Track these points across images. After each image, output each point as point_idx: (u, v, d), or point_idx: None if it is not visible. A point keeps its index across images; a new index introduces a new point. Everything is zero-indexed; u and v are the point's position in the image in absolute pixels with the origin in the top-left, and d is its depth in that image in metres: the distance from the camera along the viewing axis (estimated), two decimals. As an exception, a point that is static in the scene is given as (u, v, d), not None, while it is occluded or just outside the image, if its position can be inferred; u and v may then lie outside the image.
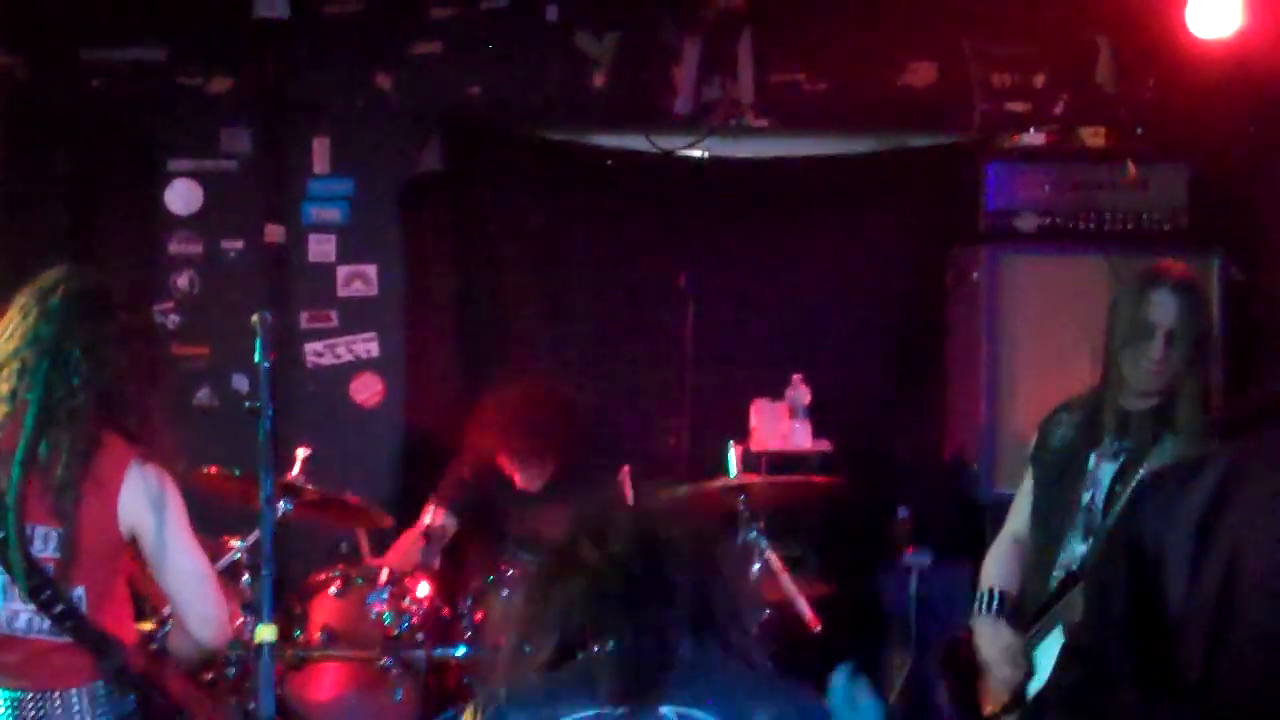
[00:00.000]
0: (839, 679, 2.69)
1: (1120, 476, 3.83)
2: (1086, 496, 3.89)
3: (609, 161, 6.44)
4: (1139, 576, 2.22)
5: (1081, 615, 2.43)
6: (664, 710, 2.39)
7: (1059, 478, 3.99)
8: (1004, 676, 3.95)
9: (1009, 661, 3.94)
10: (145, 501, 3.30)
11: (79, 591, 3.27)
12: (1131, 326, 3.83)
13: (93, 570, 3.29)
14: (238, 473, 4.74)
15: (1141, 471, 3.70)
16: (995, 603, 4.03)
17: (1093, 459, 3.91)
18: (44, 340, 3.30)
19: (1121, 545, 2.28)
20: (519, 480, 5.44)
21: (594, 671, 2.45)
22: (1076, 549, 3.88)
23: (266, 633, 3.03)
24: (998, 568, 4.15)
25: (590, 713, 2.41)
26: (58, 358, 3.29)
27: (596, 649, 2.46)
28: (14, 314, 3.36)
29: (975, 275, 6.06)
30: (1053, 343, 5.66)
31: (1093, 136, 6.20)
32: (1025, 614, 3.97)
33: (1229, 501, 2.18)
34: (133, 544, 3.34)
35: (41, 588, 3.21)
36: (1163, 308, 3.81)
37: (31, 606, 3.23)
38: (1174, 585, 2.18)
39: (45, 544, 3.25)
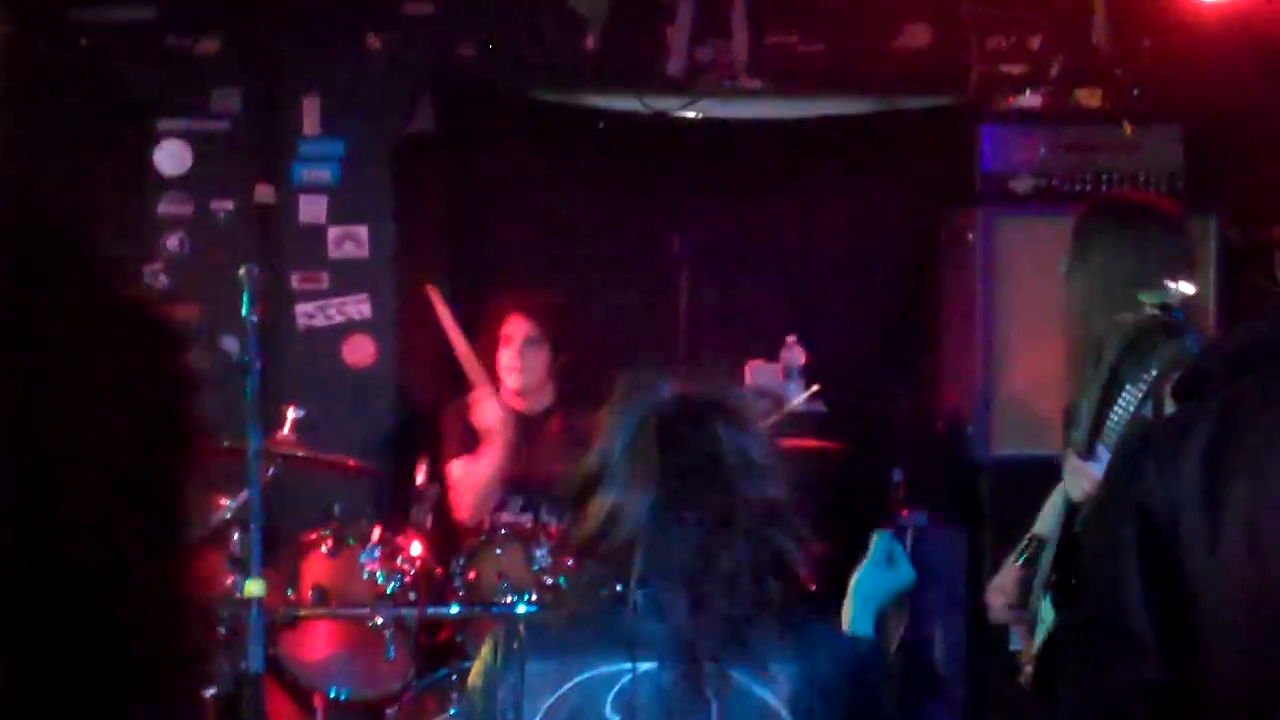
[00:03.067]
0: (881, 540, 2.65)
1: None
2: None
3: (601, 123, 6.39)
4: (1152, 544, 2.10)
5: (1087, 585, 2.32)
6: (689, 666, 2.29)
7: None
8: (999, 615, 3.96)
9: (999, 607, 3.95)
10: None
11: None
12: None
13: None
14: (225, 444, 4.69)
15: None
16: (1027, 549, 4.01)
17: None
18: None
19: (1129, 511, 2.15)
20: (519, 401, 5.40)
21: (619, 618, 2.34)
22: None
23: (255, 587, 3.00)
24: (1045, 512, 4.10)
25: (614, 668, 2.31)
26: None
27: (641, 593, 2.34)
28: None
29: (970, 237, 6.03)
30: (1048, 305, 5.62)
31: (1089, 98, 6.17)
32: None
33: (1237, 439, 2.07)
34: None
35: None
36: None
37: None
38: (1193, 549, 2.06)
39: None
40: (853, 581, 2.64)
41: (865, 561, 2.65)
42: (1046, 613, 3.71)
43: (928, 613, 5.78)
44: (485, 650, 2.42)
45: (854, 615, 2.60)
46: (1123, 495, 2.21)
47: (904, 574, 2.68)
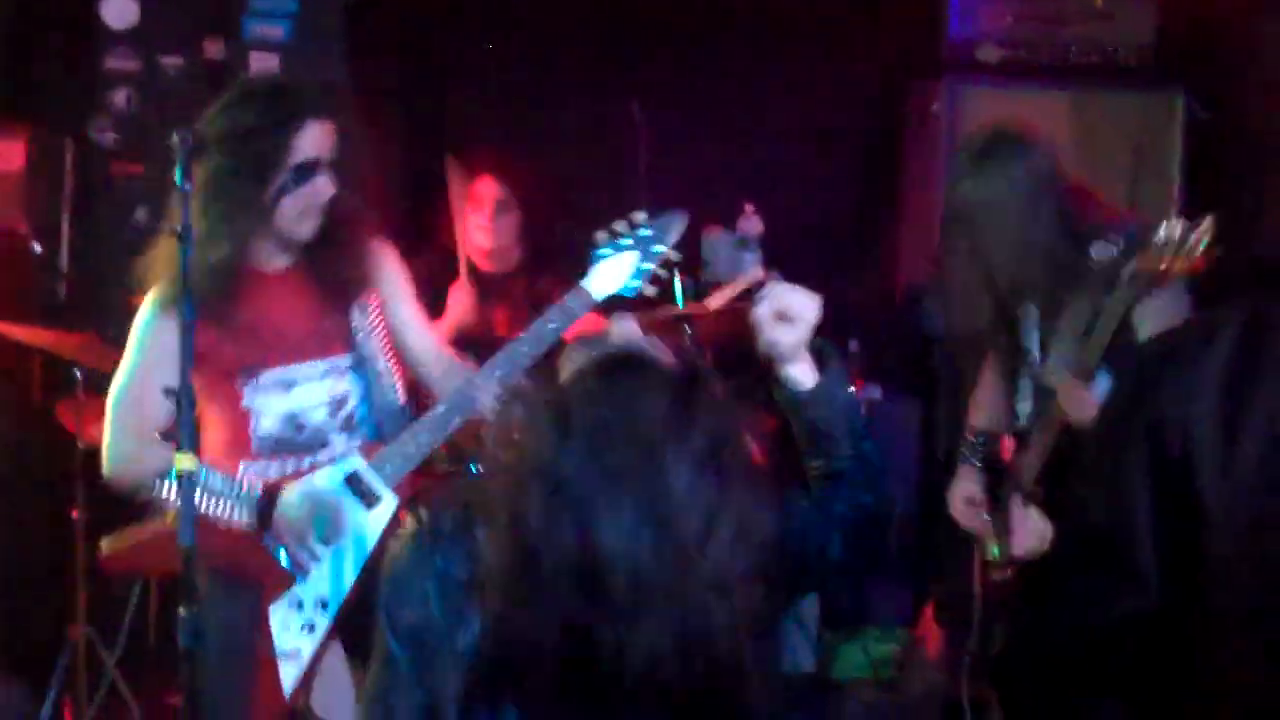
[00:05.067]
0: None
1: (1044, 316, 3.77)
2: (1029, 340, 3.81)
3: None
4: (1163, 464, 1.96)
5: (1090, 509, 2.21)
6: None
7: (1002, 319, 3.91)
8: (975, 524, 3.95)
9: (968, 513, 3.95)
10: None
11: None
12: None
13: None
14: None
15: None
16: (980, 447, 3.98)
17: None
18: None
19: (1139, 429, 2.01)
20: (486, 262, 5.35)
21: None
22: (1027, 402, 3.83)
23: (186, 461, 2.90)
24: (982, 402, 4.08)
25: None
26: None
27: None
28: None
29: (935, 108, 5.94)
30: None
31: (1060, -34, 6.05)
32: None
33: (1258, 362, 1.93)
34: None
35: None
36: None
37: None
38: (1205, 471, 1.93)
39: None
40: None
41: None
42: (1036, 519, 3.66)
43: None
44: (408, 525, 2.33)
45: None
46: (1134, 415, 2.06)
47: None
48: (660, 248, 3.63)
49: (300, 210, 3.56)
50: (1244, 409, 1.93)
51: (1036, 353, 3.78)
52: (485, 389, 3.55)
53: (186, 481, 2.89)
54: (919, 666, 5.28)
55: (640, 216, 3.64)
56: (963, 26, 5.95)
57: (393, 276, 3.81)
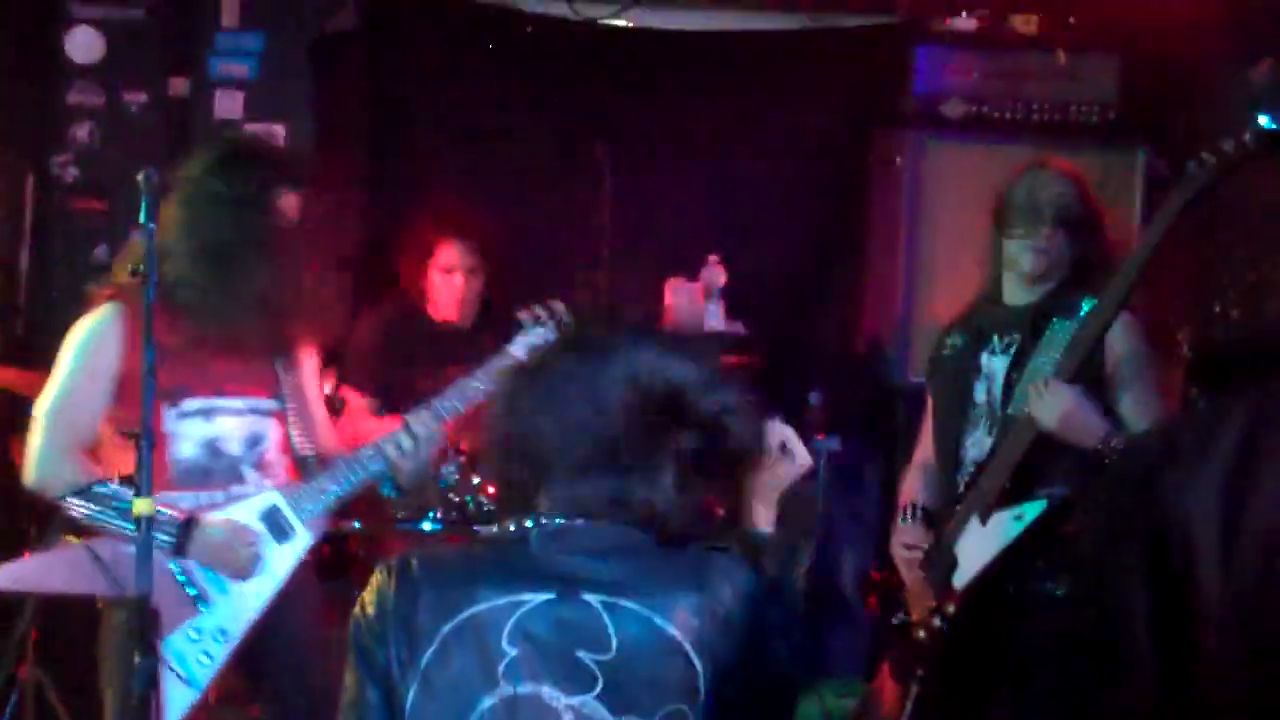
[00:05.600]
0: (775, 425, 2.63)
1: (1014, 366, 3.88)
2: (982, 393, 3.95)
3: (529, 28, 6.24)
4: (1164, 566, 1.91)
5: (1082, 603, 2.15)
6: (588, 598, 2.25)
7: (953, 382, 4.04)
8: (910, 577, 3.98)
9: (909, 562, 3.98)
10: None
11: None
12: (1021, 210, 3.91)
13: None
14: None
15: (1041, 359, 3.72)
16: (916, 513, 4.03)
17: (984, 357, 3.97)
18: None
19: (1141, 531, 1.96)
20: (446, 310, 5.34)
21: (518, 549, 2.29)
22: (981, 442, 3.89)
23: (143, 506, 2.91)
24: (914, 484, 4.15)
25: (511, 599, 2.26)
26: None
27: (530, 523, 2.31)
28: None
29: (899, 160, 5.97)
30: (973, 233, 5.57)
31: (1024, 24, 6.09)
32: (941, 519, 3.95)
33: (1260, 461, 1.87)
34: None
35: None
36: (1050, 190, 3.90)
37: None
38: (1207, 573, 1.87)
39: None
40: None
41: None
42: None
43: (838, 537, 5.77)
44: (377, 578, 2.35)
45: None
46: (1135, 512, 2.01)
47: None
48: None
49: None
50: (1248, 506, 1.88)
51: (999, 397, 3.83)
52: (401, 438, 3.79)
53: (146, 526, 2.88)
54: (875, 721, 5.26)
55: (560, 306, 4.04)
56: (928, 81, 5.98)
57: (310, 365, 4.03)
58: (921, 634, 3.89)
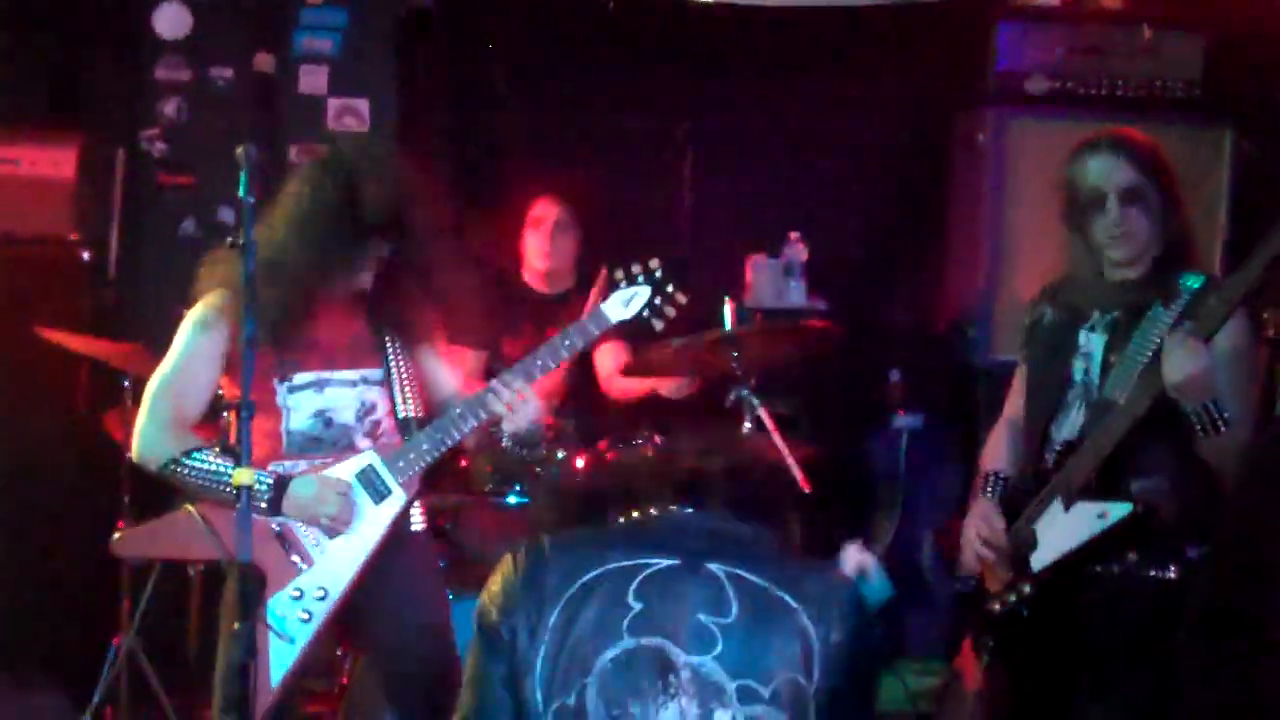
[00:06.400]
0: (851, 552, 2.69)
1: (1111, 347, 3.79)
2: (1079, 372, 3.86)
3: (610, 3, 6.25)
4: None
5: (1213, 573, 2.10)
6: (712, 566, 2.37)
7: (1050, 357, 3.94)
8: (979, 554, 3.93)
9: (983, 544, 3.92)
10: None
11: None
12: (1083, 198, 3.79)
13: None
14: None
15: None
16: (998, 486, 3.99)
17: (1082, 335, 3.87)
18: None
19: None
20: (543, 284, 5.39)
21: (646, 529, 2.45)
22: (1074, 421, 3.85)
23: (243, 476, 2.98)
24: (997, 451, 4.11)
25: (638, 561, 2.39)
26: None
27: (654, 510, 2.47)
28: None
29: (981, 138, 5.95)
30: (1056, 212, 5.56)
31: (1108, -1, 6.06)
32: (1022, 492, 3.93)
33: None
34: None
35: None
36: (1105, 170, 3.75)
37: None
38: None
39: None
40: None
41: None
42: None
43: (917, 516, 5.77)
44: (504, 563, 2.46)
45: None
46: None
47: (881, 589, 2.74)
48: (671, 288, 3.94)
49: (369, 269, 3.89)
50: None
51: (1096, 378, 3.81)
52: (498, 395, 3.81)
53: (245, 496, 2.95)
54: (958, 699, 5.27)
55: (655, 262, 3.96)
56: (1011, 57, 5.95)
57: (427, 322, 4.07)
58: (996, 607, 3.88)
